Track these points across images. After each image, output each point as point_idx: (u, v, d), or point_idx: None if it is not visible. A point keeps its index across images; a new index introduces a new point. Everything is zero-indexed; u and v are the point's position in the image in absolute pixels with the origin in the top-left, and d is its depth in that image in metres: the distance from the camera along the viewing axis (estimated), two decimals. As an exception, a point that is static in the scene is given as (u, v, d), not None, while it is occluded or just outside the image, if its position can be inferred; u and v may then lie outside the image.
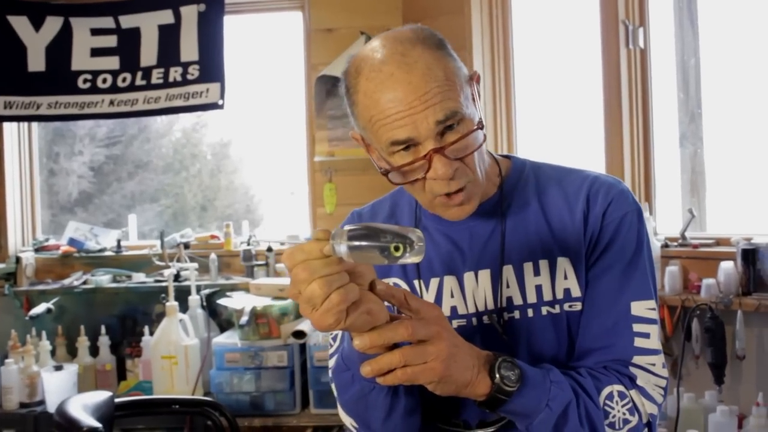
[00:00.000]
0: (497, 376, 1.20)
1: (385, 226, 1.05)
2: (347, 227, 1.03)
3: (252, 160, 4.74)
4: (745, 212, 3.30)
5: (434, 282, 1.41)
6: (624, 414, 1.27)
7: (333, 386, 1.37)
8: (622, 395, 1.28)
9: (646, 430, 1.30)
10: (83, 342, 3.67)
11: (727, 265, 2.85)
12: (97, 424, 2.37)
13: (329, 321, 1.06)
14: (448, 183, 1.25)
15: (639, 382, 1.31)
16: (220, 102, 3.87)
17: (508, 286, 1.37)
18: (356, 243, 1.01)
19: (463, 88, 1.25)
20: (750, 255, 2.79)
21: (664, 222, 3.33)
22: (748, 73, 3.18)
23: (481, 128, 1.26)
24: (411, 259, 1.04)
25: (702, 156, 3.37)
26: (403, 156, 1.25)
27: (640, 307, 1.34)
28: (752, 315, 2.77)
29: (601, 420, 1.26)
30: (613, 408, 1.27)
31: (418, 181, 1.26)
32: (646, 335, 1.33)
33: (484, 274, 1.39)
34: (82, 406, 2.53)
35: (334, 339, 1.42)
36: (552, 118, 3.75)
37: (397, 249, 1.02)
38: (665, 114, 3.39)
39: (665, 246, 3.11)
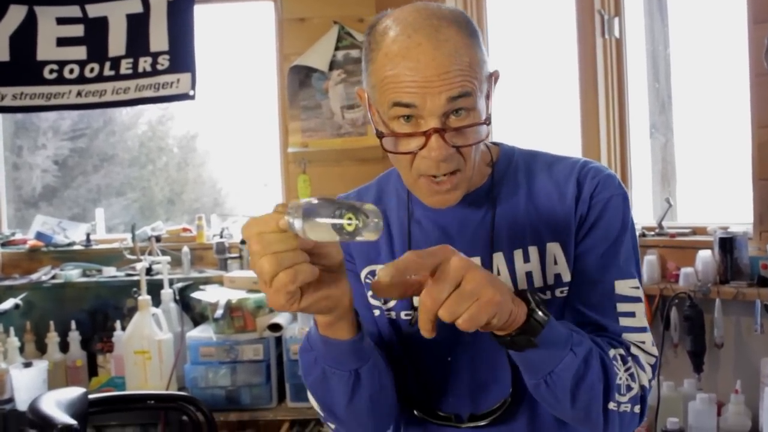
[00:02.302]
0: (531, 301, 1.15)
1: (342, 200, 0.97)
2: (303, 200, 0.97)
3: (219, 153, 4.68)
4: (714, 201, 3.33)
5: None
6: (627, 380, 1.24)
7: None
8: (624, 359, 1.26)
9: (639, 407, 1.27)
10: (53, 338, 3.60)
11: (704, 254, 2.88)
12: (72, 421, 2.32)
13: (280, 300, 1.01)
14: (438, 165, 1.22)
15: (633, 351, 1.29)
16: (191, 92, 3.82)
17: (498, 274, 1.34)
18: (309, 217, 0.95)
19: (482, 83, 1.23)
20: (727, 243, 2.81)
21: (635, 211, 3.34)
22: (717, 63, 3.21)
23: (488, 124, 1.24)
24: (366, 236, 0.97)
25: (672, 146, 3.41)
26: (403, 125, 1.22)
27: (623, 286, 1.32)
28: (730, 303, 2.80)
29: (614, 378, 1.23)
30: (619, 370, 1.24)
31: (409, 155, 1.24)
32: (631, 314, 1.31)
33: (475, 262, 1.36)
34: (56, 403, 2.47)
35: None
36: (527, 108, 3.73)
37: (350, 224, 0.95)
38: (636, 104, 3.41)
39: (642, 235, 3.13)
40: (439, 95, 1.17)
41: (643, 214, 3.36)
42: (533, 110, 3.75)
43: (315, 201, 0.96)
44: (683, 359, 2.89)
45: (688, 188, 3.40)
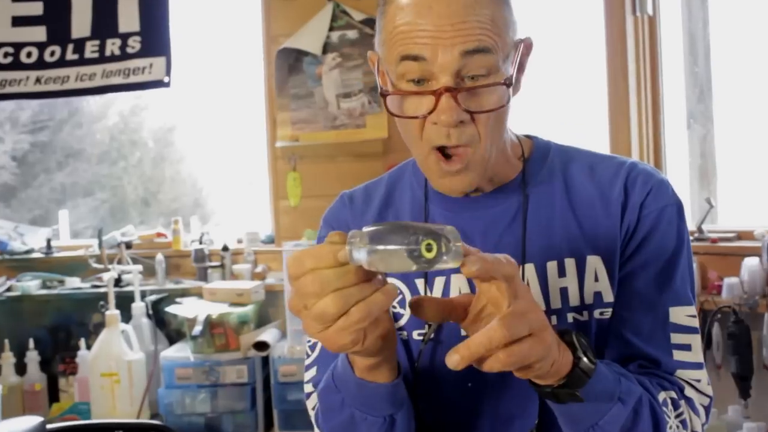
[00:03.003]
0: (578, 347, 1.05)
1: (414, 223, 0.91)
2: (366, 228, 0.90)
3: (200, 148, 4.62)
4: (761, 201, 3.23)
5: (439, 281, 1.31)
6: (678, 427, 1.16)
7: (311, 406, 1.28)
8: (675, 404, 1.17)
9: None
10: (8, 358, 3.54)
11: (751, 262, 2.74)
12: (28, 457, 2.26)
13: (345, 341, 0.94)
14: (448, 133, 1.14)
15: (687, 392, 1.20)
16: (166, 79, 3.71)
17: None
18: (379, 246, 0.88)
19: (507, 45, 1.15)
20: (777, 250, 2.73)
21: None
22: (763, 45, 3.11)
23: (508, 85, 1.14)
24: (448, 263, 0.90)
25: (712, 138, 3.31)
26: (412, 87, 1.16)
27: (679, 314, 1.23)
28: (782, 318, 2.71)
29: (665, 426, 1.14)
30: (669, 417, 1.15)
31: (416, 121, 1.16)
32: (687, 347, 1.23)
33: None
34: (9, 435, 2.42)
35: (312, 348, 1.33)
36: (549, 95, 3.62)
37: (429, 249, 0.88)
38: (671, 91, 3.36)
39: (680, 241, 2.94)
40: (452, 48, 1.11)
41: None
42: (555, 97, 3.65)
43: (379, 227, 0.91)
44: (727, 383, 2.74)
45: (731, 187, 3.31)
